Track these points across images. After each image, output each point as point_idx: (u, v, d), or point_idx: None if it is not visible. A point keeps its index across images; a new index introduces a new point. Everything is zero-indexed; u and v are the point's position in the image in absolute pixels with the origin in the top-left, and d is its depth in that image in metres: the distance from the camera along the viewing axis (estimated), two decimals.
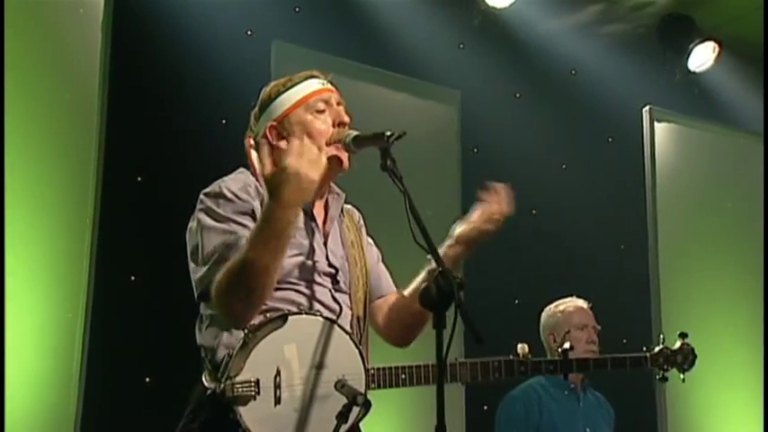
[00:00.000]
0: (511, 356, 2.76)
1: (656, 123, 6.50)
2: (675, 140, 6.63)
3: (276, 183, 2.23)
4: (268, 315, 2.37)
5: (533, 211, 6.07)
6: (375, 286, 2.75)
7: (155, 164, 4.60)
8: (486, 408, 4.72)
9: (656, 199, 6.39)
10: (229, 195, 2.43)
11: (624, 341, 4.17)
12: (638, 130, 6.55)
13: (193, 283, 2.43)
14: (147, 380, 4.35)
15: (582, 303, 4.30)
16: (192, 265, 2.44)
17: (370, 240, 2.83)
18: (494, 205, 2.70)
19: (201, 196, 2.47)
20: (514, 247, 5.91)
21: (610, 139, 6.49)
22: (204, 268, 2.37)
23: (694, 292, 6.33)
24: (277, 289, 2.39)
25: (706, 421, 6.17)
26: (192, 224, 2.46)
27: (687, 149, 6.67)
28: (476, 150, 5.99)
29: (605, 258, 6.05)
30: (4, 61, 3.78)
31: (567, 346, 2.89)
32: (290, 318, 2.37)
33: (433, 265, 2.33)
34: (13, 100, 4.10)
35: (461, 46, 6.01)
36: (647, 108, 6.55)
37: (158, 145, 4.62)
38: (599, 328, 4.22)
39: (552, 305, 4.34)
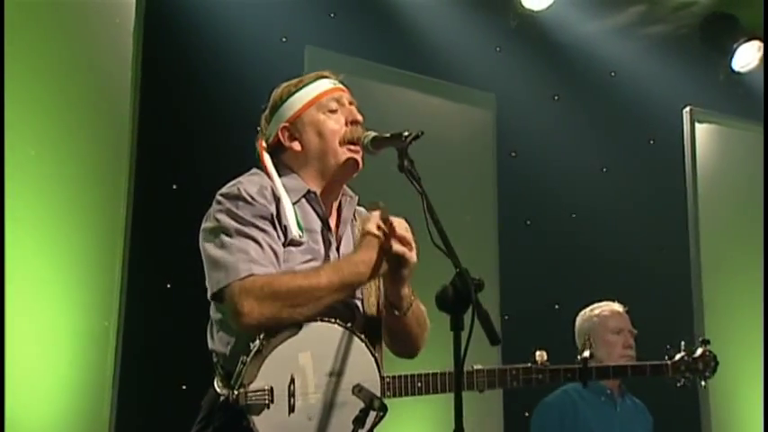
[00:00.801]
0: (529, 364, 2.66)
1: (696, 124, 6.33)
2: (717, 141, 6.44)
3: (390, 261, 2.33)
4: None
5: (573, 215, 6.00)
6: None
7: (189, 171, 4.57)
8: (527, 414, 4.61)
9: (697, 201, 6.22)
10: (248, 198, 2.36)
11: (668, 346, 4.03)
12: (679, 132, 6.39)
13: (209, 283, 2.35)
14: (184, 387, 4.30)
15: (618, 307, 4.17)
16: (208, 265, 2.35)
17: None
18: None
19: (219, 197, 2.40)
20: (554, 252, 5.84)
21: (651, 141, 6.35)
22: (225, 270, 2.29)
23: (737, 295, 6.14)
24: None
25: (751, 427, 5.97)
26: (210, 224, 2.39)
27: (729, 150, 6.47)
28: (514, 154, 5.90)
29: (646, 262, 5.91)
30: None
31: (586, 354, 2.78)
32: (304, 324, 2.30)
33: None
34: (49, 109, 4.12)
35: (498, 49, 5.92)
36: (687, 109, 6.38)
37: (193, 152, 4.59)
38: (635, 332, 4.09)
39: (587, 309, 4.22)
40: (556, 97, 6.14)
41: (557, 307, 5.63)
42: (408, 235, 2.35)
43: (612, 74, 6.27)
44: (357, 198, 2.63)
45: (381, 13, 5.38)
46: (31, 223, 3.96)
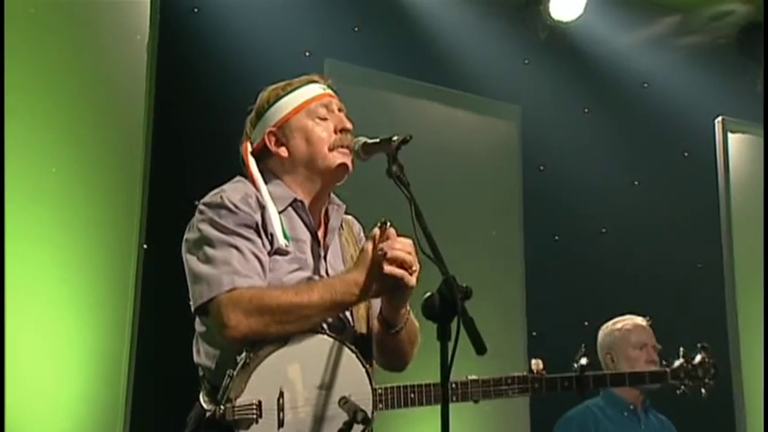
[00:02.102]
0: (525, 373, 2.61)
1: (729, 134, 6.19)
2: (752, 152, 6.29)
3: (386, 283, 2.25)
4: None
5: (603, 230, 5.91)
6: (375, 303, 2.56)
7: (205, 187, 4.55)
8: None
9: (730, 215, 6.07)
10: (231, 207, 2.32)
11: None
12: (713, 144, 6.28)
13: (192, 296, 2.32)
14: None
15: (641, 321, 4.07)
16: (190, 278, 2.32)
17: None
18: None
19: (201, 207, 2.37)
20: (583, 268, 5.74)
21: (685, 154, 6.22)
22: (208, 283, 2.26)
23: None
24: None
25: None
26: (192, 235, 2.36)
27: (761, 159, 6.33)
28: (542, 168, 5.83)
29: (679, 278, 5.78)
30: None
31: (583, 361, 2.72)
32: (293, 336, 2.25)
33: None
34: (63, 125, 4.13)
35: (526, 61, 5.86)
36: (719, 119, 6.25)
37: (209, 167, 4.57)
38: (660, 347, 3.97)
39: (609, 323, 4.13)
40: (586, 110, 6.06)
41: (586, 324, 5.51)
42: (409, 257, 2.25)
43: (645, 85, 6.18)
44: (345, 206, 2.58)
45: (405, 26, 5.35)
46: (45, 239, 3.96)
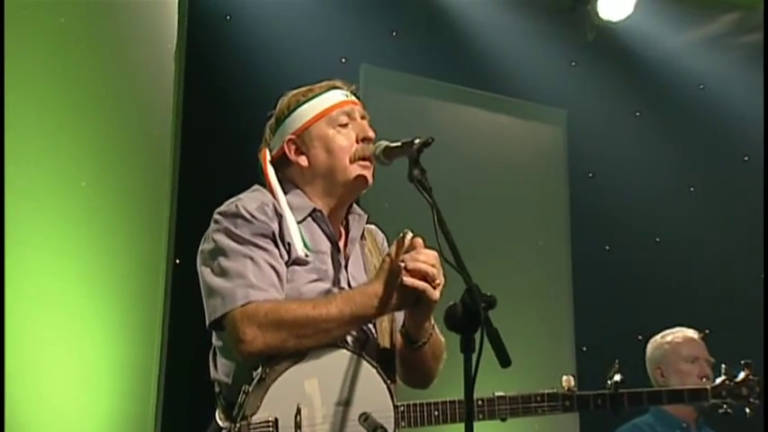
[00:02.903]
0: (555, 389, 2.55)
1: None
2: None
3: (407, 296, 2.21)
4: None
5: (657, 239, 5.81)
6: (398, 317, 2.50)
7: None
8: None
9: None
10: (247, 216, 2.29)
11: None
12: None
13: (206, 310, 2.29)
14: None
15: (692, 333, 3.96)
16: (205, 291, 2.30)
17: None
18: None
19: (217, 216, 2.34)
20: (637, 279, 5.65)
21: (746, 158, 6.07)
22: (222, 297, 2.23)
23: None
24: None
25: None
26: (207, 246, 2.33)
27: None
28: (591, 175, 5.74)
29: (740, 289, 5.63)
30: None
31: (617, 378, 2.63)
32: (310, 350, 2.21)
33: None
34: (93, 140, 4.16)
35: (573, 63, 5.79)
36: None
37: (239, 182, 4.56)
38: (712, 360, 3.85)
39: (658, 336, 4.04)
40: (637, 113, 5.97)
41: (639, 338, 5.41)
42: (432, 270, 2.20)
43: (701, 87, 6.05)
44: (366, 216, 2.54)
45: (445, 29, 5.32)
46: (73, 254, 3.99)
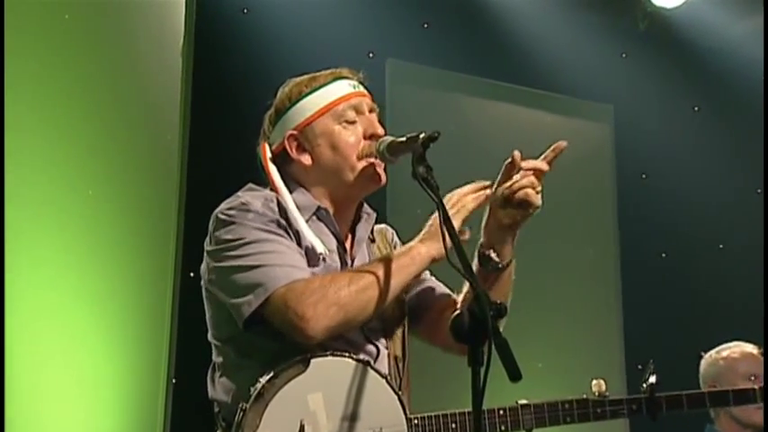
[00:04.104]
0: (585, 395, 2.55)
1: None
2: None
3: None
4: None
5: (720, 246, 5.80)
6: (430, 300, 2.57)
7: None
8: None
9: None
10: (259, 210, 2.30)
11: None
12: None
13: (239, 308, 2.23)
14: None
15: (750, 348, 3.94)
16: (231, 288, 2.26)
17: None
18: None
19: (222, 215, 2.33)
20: (699, 291, 5.62)
21: None
22: (258, 283, 2.21)
23: None
24: None
25: None
26: (218, 244, 2.31)
27: None
28: (644, 176, 5.74)
29: None
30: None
31: (652, 380, 2.63)
32: (312, 361, 2.22)
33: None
34: (98, 149, 4.24)
35: (624, 55, 5.80)
36: None
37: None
38: None
39: (713, 351, 4.03)
40: (696, 108, 5.95)
41: (702, 354, 5.39)
42: (531, 179, 2.37)
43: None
44: (375, 215, 2.55)
45: (481, 19, 5.35)
46: (76, 268, 4.06)
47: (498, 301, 2.02)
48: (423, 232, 2.33)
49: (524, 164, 2.38)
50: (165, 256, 4.28)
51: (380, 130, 2.45)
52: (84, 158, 4.19)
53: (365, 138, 2.43)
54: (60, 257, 3.99)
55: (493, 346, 1.94)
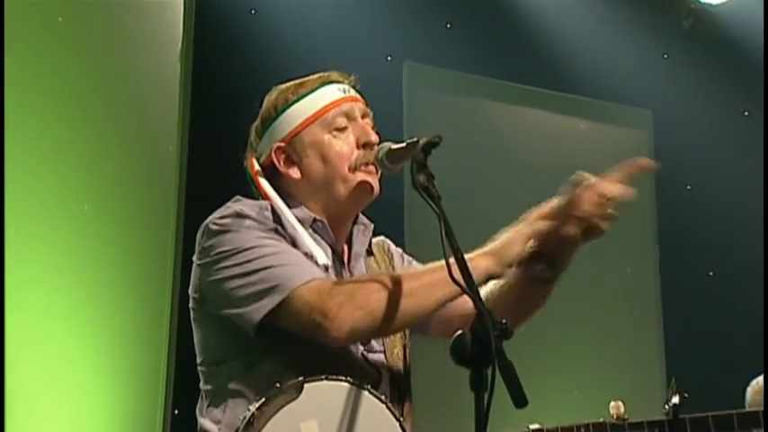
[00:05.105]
0: (602, 419, 2.56)
1: None
2: None
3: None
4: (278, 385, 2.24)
5: None
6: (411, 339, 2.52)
7: None
8: None
9: None
10: (255, 217, 2.29)
11: None
12: None
13: (250, 313, 2.20)
14: None
15: None
16: (235, 297, 2.23)
17: (411, 258, 2.62)
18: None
19: (216, 224, 2.30)
20: (745, 313, 5.58)
21: None
22: (273, 284, 2.19)
23: None
24: None
25: None
26: (214, 256, 2.28)
27: None
28: (689, 187, 5.72)
29: None
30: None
31: (676, 399, 2.62)
32: (306, 386, 2.19)
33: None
34: (98, 164, 4.29)
35: (665, 56, 5.79)
36: None
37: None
38: None
39: (759, 378, 4.06)
40: (746, 113, 5.93)
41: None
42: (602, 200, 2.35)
43: None
44: (372, 226, 2.54)
45: (508, 19, 5.37)
46: (71, 291, 4.10)
47: (503, 321, 2.01)
48: (490, 246, 2.29)
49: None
50: (164, 275, 4.31)
51: (374, 138, 2.41)
52: (78, 173, 4.24)
53: (358, 146, 2.40)
54: (53, 279, 4.03)
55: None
